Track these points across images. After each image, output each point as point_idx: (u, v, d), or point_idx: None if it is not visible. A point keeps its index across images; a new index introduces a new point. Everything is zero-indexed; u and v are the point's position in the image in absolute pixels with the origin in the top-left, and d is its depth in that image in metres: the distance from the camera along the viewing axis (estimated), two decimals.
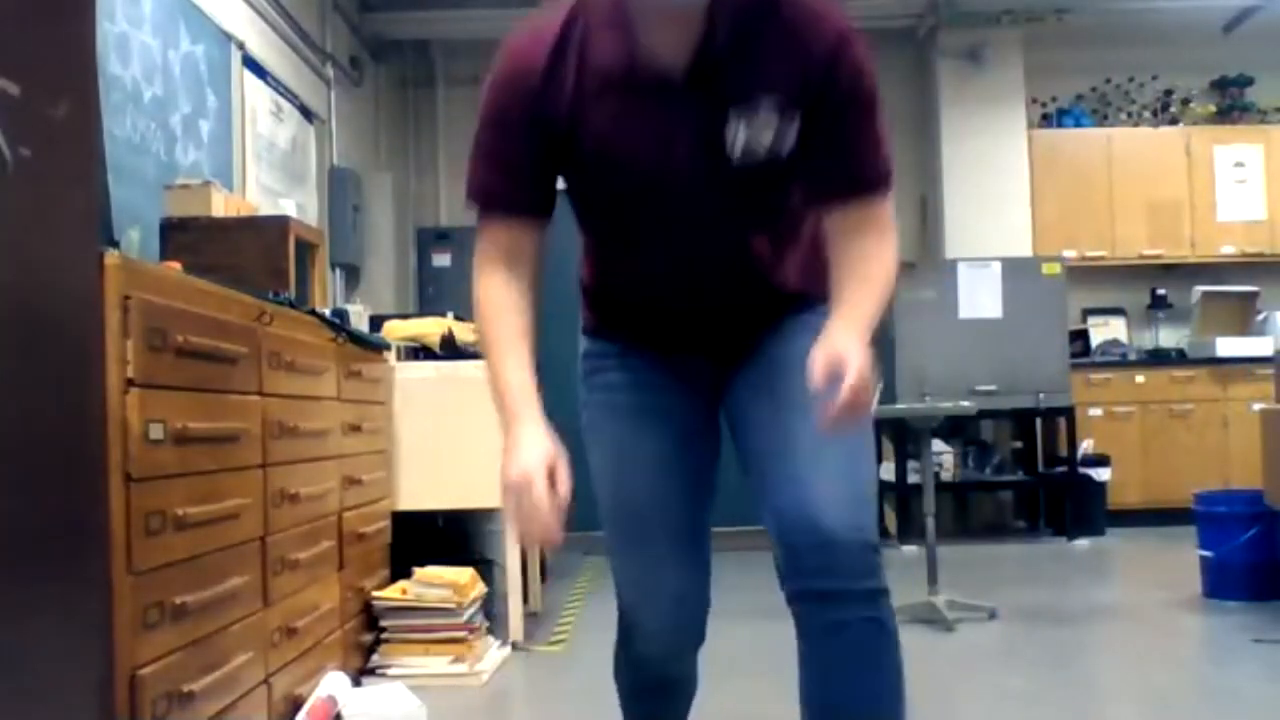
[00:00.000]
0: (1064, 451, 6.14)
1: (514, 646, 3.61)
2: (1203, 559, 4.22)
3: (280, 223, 3.46)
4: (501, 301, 1.49)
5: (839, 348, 1.29)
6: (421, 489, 3.59)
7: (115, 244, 2.21)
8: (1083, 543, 5.90)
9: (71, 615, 1.66)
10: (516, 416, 1.44)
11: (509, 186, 1.49)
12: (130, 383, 1.85)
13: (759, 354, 1.59)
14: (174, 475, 1.97)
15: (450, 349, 3.88)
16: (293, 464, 2.60)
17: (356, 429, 3.16)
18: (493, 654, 3.40)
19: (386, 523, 3.46)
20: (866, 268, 1.44)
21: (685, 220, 1.52)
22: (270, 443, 2.45)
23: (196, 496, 2.05)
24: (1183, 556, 5.13)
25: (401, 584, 3.32)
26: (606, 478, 1.63)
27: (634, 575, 1.64)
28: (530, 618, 4.08)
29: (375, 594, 3.24)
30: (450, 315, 4.19)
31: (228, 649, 2.17)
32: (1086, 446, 6.24)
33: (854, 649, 1.37)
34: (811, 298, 1.56)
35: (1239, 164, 6.68)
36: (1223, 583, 4.12)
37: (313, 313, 2.96)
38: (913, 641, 1.68)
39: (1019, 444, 6.57)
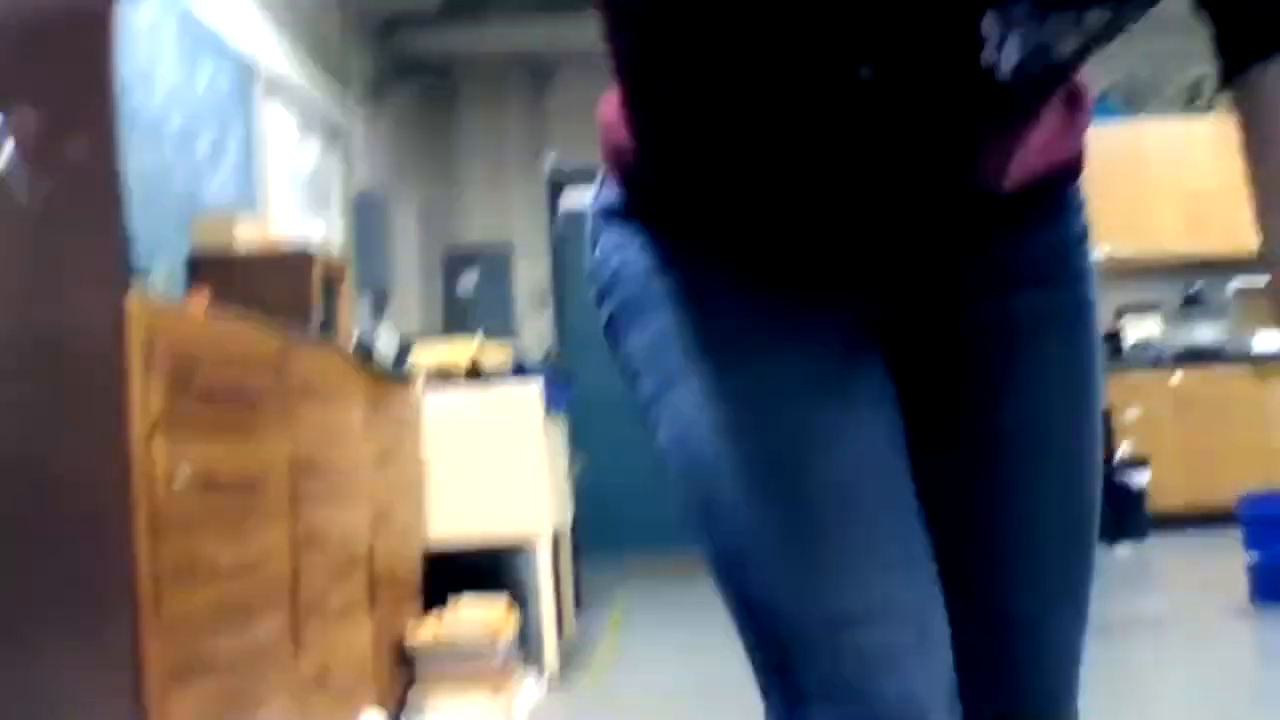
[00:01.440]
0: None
1: (550, 681, 3.53)
2: (1250, 563, 4.09)
3: (305, 255, 3.42)
4: None
5: None
6: (454, 520, 3.52)
7: (141, 276, 2.15)
8: (1124, 549, 5.77)
9: (100, 671, 1.60)
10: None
11: None
12: (155, 427, 1.78)
13: (990, 386, 0.93)
14: (201, 522, 1.91)
15: (477, 375, 3.81)
16: (322, 502, 2.53)
17: (386, 462, 3.09)
18: (529, 689, 3.32)
19: (418, 558, 3.39)
20: None
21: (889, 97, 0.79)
22: (299, 481, 2.38)
23: (224, 542, 1.99)
24: (1228, 560, 4.99)
25: (434, 624, 3.24)
26: (761, 467, 0.84)
27: (845, 609, 0.81)
28: (566, 649, 4.00)
29: (409, 638, 3.16)
30: (478, 338, 4.12)
31: (260, 697, 2.10)
32: (1124, 449, 6.12)
33: None
34: (1048, 191, 0.92)
35: None
36: (1272, 586, 3.99)
37: (339, 347, 2.89)
38: None
39: None
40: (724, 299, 0.88)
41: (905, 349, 0.92)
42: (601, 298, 0.95)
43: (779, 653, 0.82)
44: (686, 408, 0.86)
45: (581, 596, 4.92)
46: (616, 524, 6.82)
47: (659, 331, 0.88)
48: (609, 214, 0.95)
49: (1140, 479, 5.99)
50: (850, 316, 0.88)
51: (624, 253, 0.92)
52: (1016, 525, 0.92)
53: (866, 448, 0.84)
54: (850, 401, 0.85)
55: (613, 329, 0.94)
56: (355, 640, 2.72)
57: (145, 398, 1.77)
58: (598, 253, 0.95)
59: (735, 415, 0.84)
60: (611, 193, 0.95)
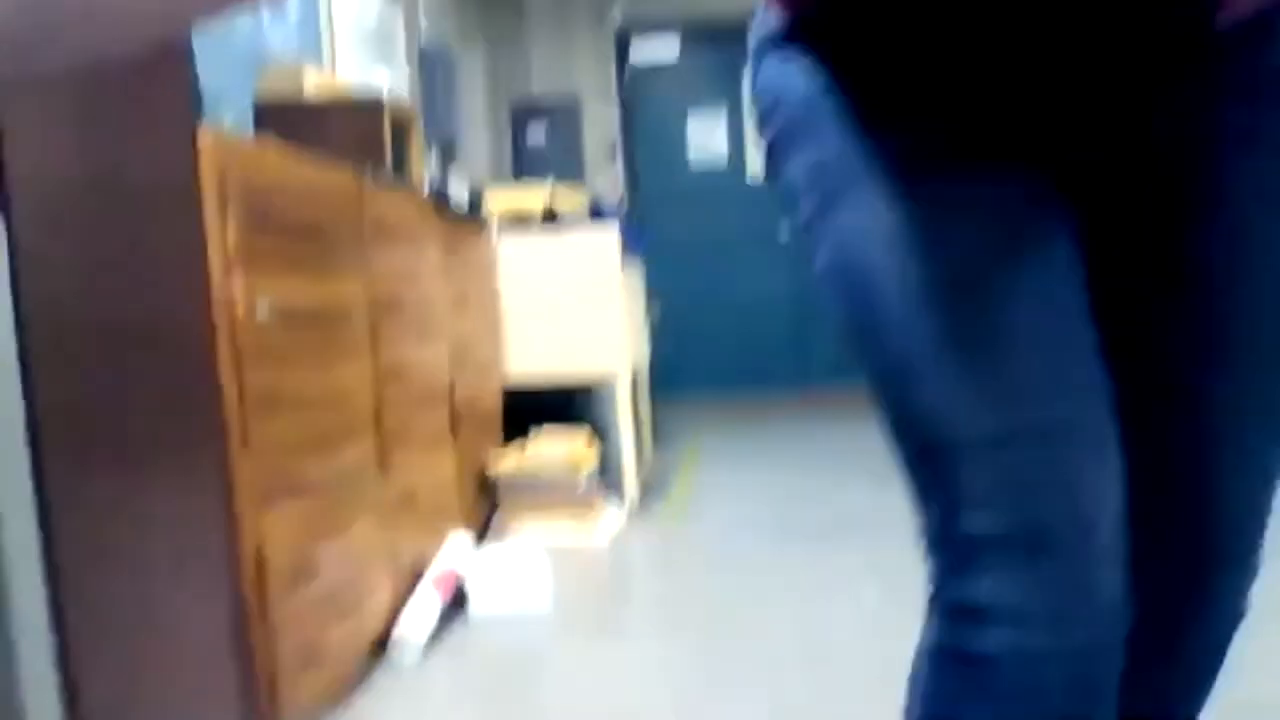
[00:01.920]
0: None
1: (630, 512, 3.63)
2: None
3: (375, 102, 3.41)
4: None
5: None
6: (531, 360, 3.59)
7: (211, 121, 2.19)
8: None
9: (192, 497, 1.69)
10: None
11: None
12: (233, 262, 1.84)
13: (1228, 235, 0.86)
14: (284, 354, 1.98)
15: (552, 219, 3.83)
16: (402, 338, 2.60)
17: (463, 302, 3.15)
18: (610, 520, 3.43)
19: (498, 393, 3.48)
20: None
21: None
22: (378, 318, 2.44)
23: (309, 374, 2.06)
24: None
25: (517, 454, 3.35)
26: (937, 280, 0.81)
27: (1032, 481, 0.79)
28: (645, 484, 4.10)
29: (491, 466, 3.27)
30: (550, 185, 4.12)
31: (349, 520, 2.21)
32: None
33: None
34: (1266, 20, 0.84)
35: None
36: None
37: (413, 189, 2.92)
38: None
39: None
40: (897, 120, 0.83)
41: (1097, 179, 0.88)
42: (762, 125, 0.92)
43: (943, 464, 0.80)
44: (855, 224, 0.83)
45: (658, 434, 5.02)
46: (691, 368, 6.89)
47: (824, 151, 0.85)
48: (772, 42, 0.91)
49: None
50: (1036, 145, 0.84)
51: (787, 78, 0.88)
52: (1214, 347, 0.87)
53: (1048, 274, 0.81)
54: (1035, 230, 0.81)
55: (773, 156, 0.91)
56: (439, 468, 2.82)
57: (222, 232, 1.82)
58: (759, 81, 0.92)
59: (910, 230, 0.81)
60: (775, 20, 0.91)
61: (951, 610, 0.81)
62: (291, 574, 1.93)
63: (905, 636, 2.32)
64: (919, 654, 0.86)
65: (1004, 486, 0.77)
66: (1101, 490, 0.79)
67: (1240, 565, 0.93)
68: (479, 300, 3.36)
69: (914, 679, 0.87)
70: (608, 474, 3.65)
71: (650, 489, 4.06)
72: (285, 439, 1.96)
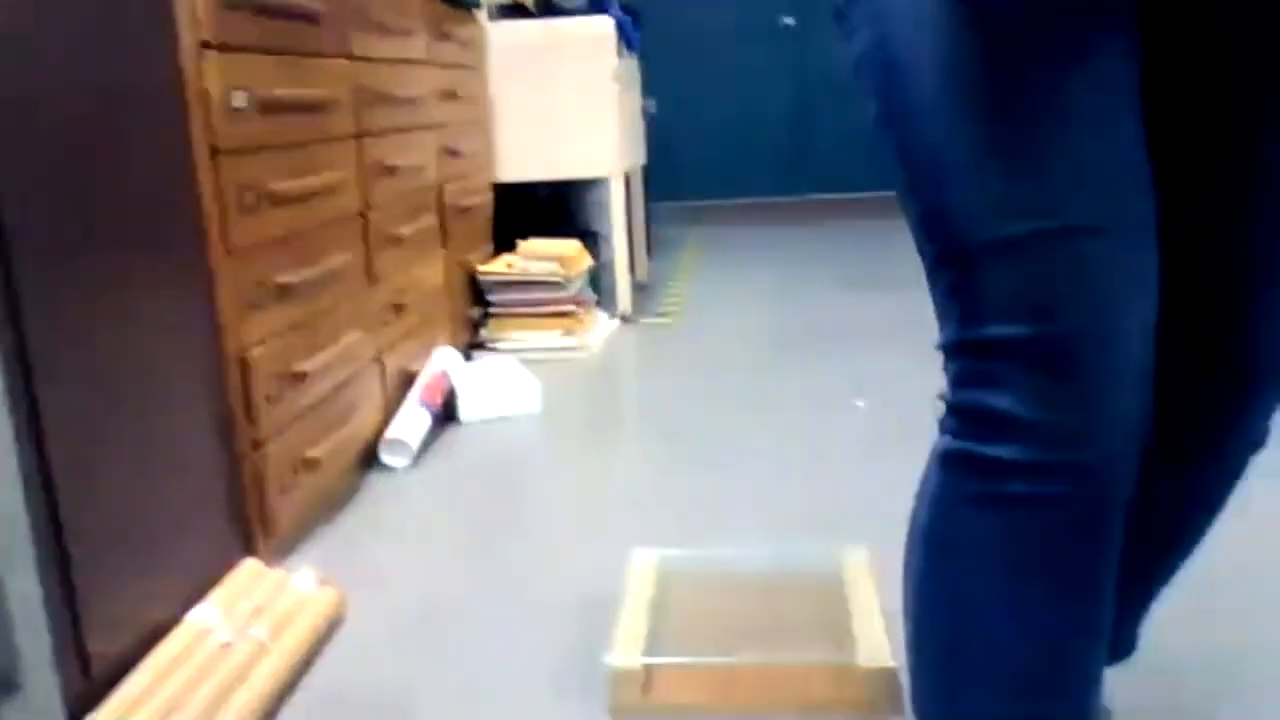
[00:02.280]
0: None
1: (623, 319, 3.55)
2: None
3: None
4: None
5: None
6: (522, 160, 3.43)
7: None
8: None
9: (172, 298, 1.58)
10: None
11: None
12: (206, 45, 1.67)
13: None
14: (264, 147, 1.83)
15: (547, 7, 3.59)
16: (388, 134, 2.44)
17: (452, 96, 2.97)
18: (603, 327, 3.35)
19: (488, 195, 3.34)
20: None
21: None
22: (363, 111, 2.28)
23: (290, 170, 1.92)
24: None
25: (507, 258, 3.23)
26: (976, 72, 0.76)
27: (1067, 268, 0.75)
28: (638, 290, 4.01)
29: (481, 268, 3.16)
30: None
31: (336, 327, 2.11)
32: None
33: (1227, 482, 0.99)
34: None
35: None
36: None
37: None
38: None
39: None
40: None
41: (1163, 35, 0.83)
42: None
43: (968, 267, 0.77)
44: (898, 4, 0.78)
45: (653, 241, 4.90)
46: (689, 170, 6.71)
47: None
48: None
49: None
50: None
51: None
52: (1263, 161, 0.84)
53: (1097, 72, 0.74)
54: (1089, 30, 0.74)
55: None
56: (428, 275, 2.71)
57: (192, 11, 1.65)
58: None
59: (955, 10, 0.75)
60: None
61: (967, 416, 0.80)
62: (278, 383, 1.85)
63: (897, 447, 2.27)
64: (931, 458, 0.85)
65: (1027, 293, 0.74)
66: (1129, 300, 0.75)
67: (1275, 381, 0.90)
68: (469, 94, 3.17)
69: (923, 482, 0.87)
70: (601, 280, 3.55)
71: (644, 295, 3.98)
72: (268, 240, 1.84)
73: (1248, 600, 1.55)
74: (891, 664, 1.31)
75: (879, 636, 1.37)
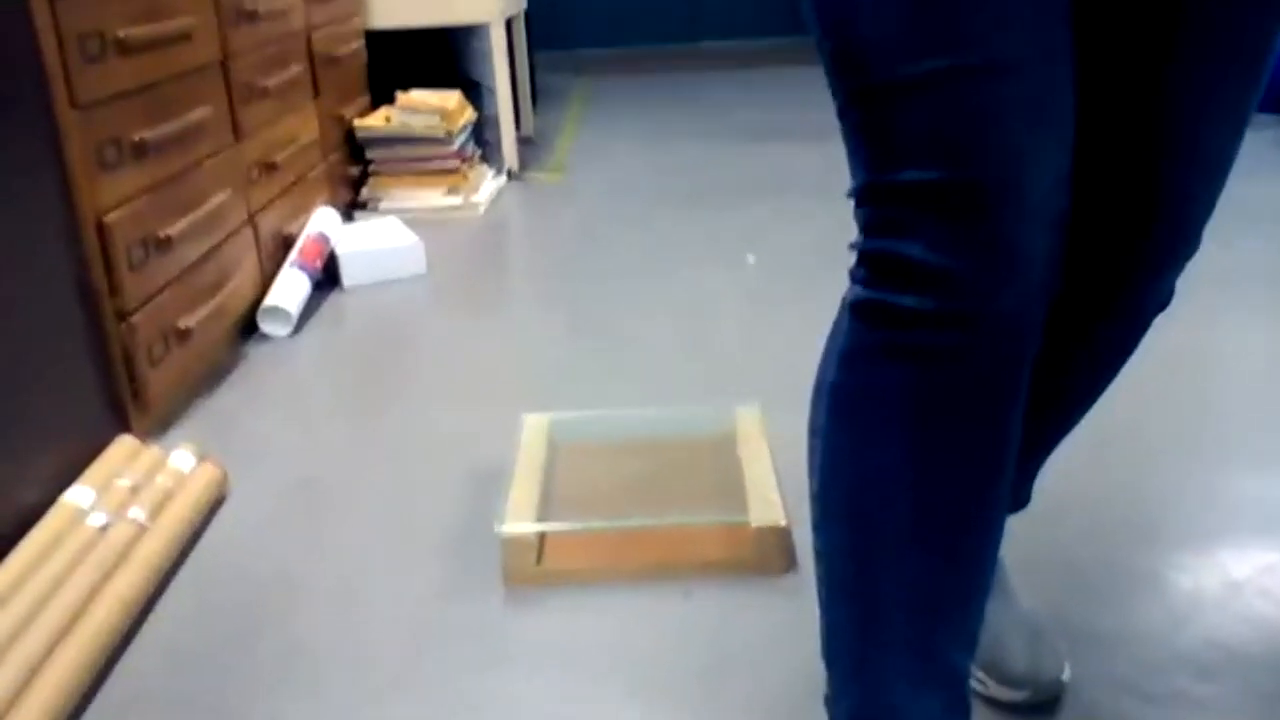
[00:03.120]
0: None
1: (510, 175, 3.45)
2: None
3: None
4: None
5: None
6: (397, 4, 3.25)
7: None
8: None
9: (16, 160, 1.46)
10: None
11: None
12: None
13: None
14: None
15: None
16: None
17: None
18: (488, 184, 3.25)
19: (361, 43, 3.16)
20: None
21: None
22: None
23: (137, 13, 1.77)
24: None
25: (385, 110, 3.09)
26: None
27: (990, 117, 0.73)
28: (524, 144, 3.90)
29: (358, 122, 3.02)
30: None
31: (202, 188, 1.99)
32: None
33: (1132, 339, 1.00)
34: None
35: None
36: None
37: None
38: None
39: None
40: None
41: None
42: None
43: (878, 105, 0.74)
44: None
45: (539, 92, 4.74)
46: (574, 17, 6.49)
47: None
48: None
49: None
50: None
51: None
52: (1182, 35, 0.83)
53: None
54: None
55: None
56: (300, 130, 2.57)
57: None
58: None
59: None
60: None
61: (876, 265, 0.77)
62: (142, 248, 1.74)
63: (789, 303, 2.25)
64: (840, 309, 0.83)
65: (938, 134, 0.72)
66: (1043, 148, 0.73)
67: (1183, 236, 0.91)
68: None
69: (831, 337, 0.84)
70: (484, 135, 3.42)
71: (531, 150, 3.86)
72: (119, 95, 1.70)
73: (1109, 447, 1.59)
74: (782, 522, 1.31)
75: (771, 495, 1.37)
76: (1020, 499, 1.13)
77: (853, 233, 0.79)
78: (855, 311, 0.80)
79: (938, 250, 0.73)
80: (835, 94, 0.78)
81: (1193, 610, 1.21)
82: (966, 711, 0.87)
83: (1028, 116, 0.72)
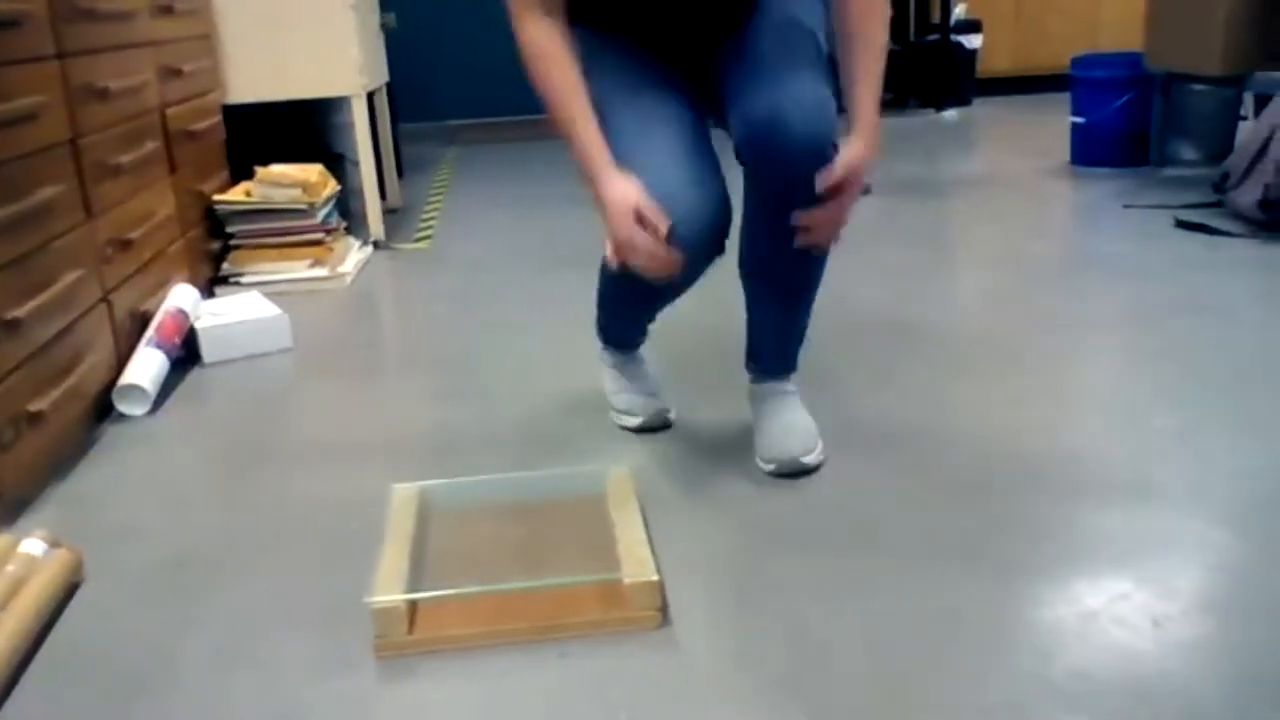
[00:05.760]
0: (937, 18, 5.97)
1: (376, 245, 3.43)
2: (1074, 126, 4.18)
3: None
4: (555, 50, 1.51)
5: (853, 165, 1.51)
6: (255, 78, 3.22)
7: None
8: (951, 113, 5.87)
9: None
10: (604, 167, 1.50)
11: None
12: None
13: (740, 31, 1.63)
14: None
15: None
16: (95, 53, 2.23)
17: (168, 10, 2.75)
18: (354, 255, 3.23)
19: (218, 118, 3.12)
20: (869, 26, 1.59)
21: None
22: (62, 27, 2.07)
23: None
24: (1051, 126, 5.14)
25: (245, 185, 3.05)
26: (618, 91, 1.61)
27: (656, 163, 1.53)
28: (390, 215, 3.89)
29: (217, 197, 2.97)
30: None
31: (53, 268, 1.94)
32: (960, 11, 6.08)
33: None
34: None
35: None
36: (1092, 149, 4.12)
37: None
38: None
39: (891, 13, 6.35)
40: (608, 46, 1.64)
41: (696, 60, 1.68)
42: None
43: (634, 169, 1.52)
44: (595, 82, 1.56)
45: (403, 163, 4.74)
46: (437, 92, 6.52)
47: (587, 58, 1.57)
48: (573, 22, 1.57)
49: (972, 43, 5.99)
50: (664, 51, 1.67)
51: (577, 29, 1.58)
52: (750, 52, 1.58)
53: (668, 92, 1.62)
54: (662, 79, 1.64)
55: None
56: (156, 206, 2.52)
57: None
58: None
59: (610, 80, 1.61)
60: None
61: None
62: None
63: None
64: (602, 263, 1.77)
65: (657, 173, 1.50)
66: (698, 165, 1.54)
67: (805, 142, 1.48)
68: (188, 7, 2.94)
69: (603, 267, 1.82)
70: (350, 206, 3.41)
71: (397, 220, 3.85)
72: None
73: (966, 488, 1.65)
74: (655, 577, 1.33)
75: (642, 552, 1.38)
76: (788, 366, 1.81)
77: None
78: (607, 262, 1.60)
79: (674, 204, 1.50)
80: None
81: (1056, 644, 1.25)
82: (641, 344, 2.00)
83: (686, 162, 1.53)
